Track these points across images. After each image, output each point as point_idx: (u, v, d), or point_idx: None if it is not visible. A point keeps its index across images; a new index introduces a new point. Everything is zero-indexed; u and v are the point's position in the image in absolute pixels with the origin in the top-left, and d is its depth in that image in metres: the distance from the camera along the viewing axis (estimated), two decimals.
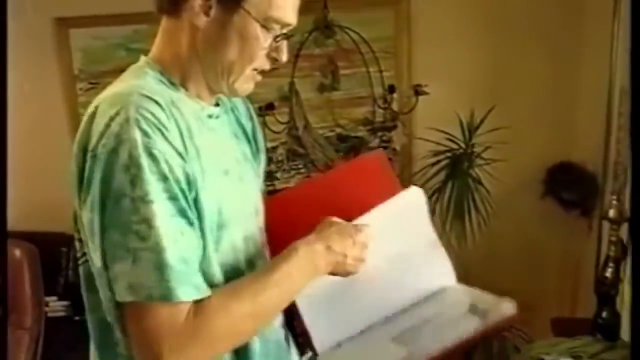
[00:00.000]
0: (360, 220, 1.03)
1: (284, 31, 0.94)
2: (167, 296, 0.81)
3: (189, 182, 0.86)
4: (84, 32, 2.38)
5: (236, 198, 0.97)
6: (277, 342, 1.02)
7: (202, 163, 0.90)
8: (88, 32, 2.38)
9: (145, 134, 0.82)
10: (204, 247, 0.88)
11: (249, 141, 1.10)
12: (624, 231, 1.91)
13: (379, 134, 2.33)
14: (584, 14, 2.29)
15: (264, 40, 0.92)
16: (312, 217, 1.01)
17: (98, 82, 2.38)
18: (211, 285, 0.88)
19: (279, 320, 1.04)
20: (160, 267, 0.81)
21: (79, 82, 2.42)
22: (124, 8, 2.23)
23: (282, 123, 2.15)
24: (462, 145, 2.19)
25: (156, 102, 0.85)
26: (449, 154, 2.19)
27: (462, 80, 2.32)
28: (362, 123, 2.36)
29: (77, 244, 0.93)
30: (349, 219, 1.02)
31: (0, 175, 0.82)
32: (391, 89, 2.15)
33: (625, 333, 1.80)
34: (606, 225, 2.17)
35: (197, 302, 0.83)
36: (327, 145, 2.15)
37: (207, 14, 0.90)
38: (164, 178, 0.82)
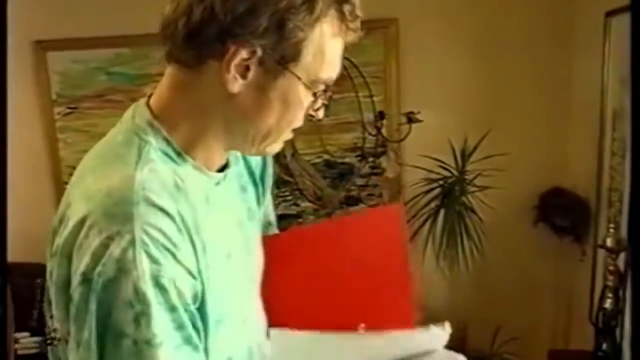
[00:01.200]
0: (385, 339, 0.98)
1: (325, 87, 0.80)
2: None
3: (196, 297, 0.73)
4: (63, 55, 2.30)
5: (237, 282, 0.85)
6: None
7: (208, 257, 0.76)
8: (67, 55, 2.30)
9: (154, 261, 0.67)
10: (206, 351, 0.76)
11: (255, 184, 0.96)
12: (620, 260, 1.87)
13: (369, 160, 2.27)
14: (575, 39, 2.29)
15: (307, 100, 0.78)
16: (317, 259, 0.95)
17: (77, 106, 2.29)
18: None
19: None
20: None
21: (56, 107, 2.33)
22: (105, 31, 2.16)
23: None
24: (455, 172, 2.15)
25: (166, 213, 0.70)
26: (441, 182, 2.14)
27: (452, 107, 2.28)
28: (350, 149, 2.31)
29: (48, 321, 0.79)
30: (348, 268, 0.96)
31: (0, 177, 0.72)
32: (381, 115, 2.10)
33: None
34: (601, 252, 2.14)
35: None
36: (315, 174, 2.08)
37: (244, 76, 0.74)
38: (172, 309, 0.69)
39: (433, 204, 2.14)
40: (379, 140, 2.03)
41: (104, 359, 0.67)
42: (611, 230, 1.86)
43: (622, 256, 1.86)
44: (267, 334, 0.97)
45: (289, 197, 2.28)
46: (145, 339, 0.67)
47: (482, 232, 2.14)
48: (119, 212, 0.69)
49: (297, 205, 2.30)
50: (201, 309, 0.74)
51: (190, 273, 0.72)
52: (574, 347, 2.29)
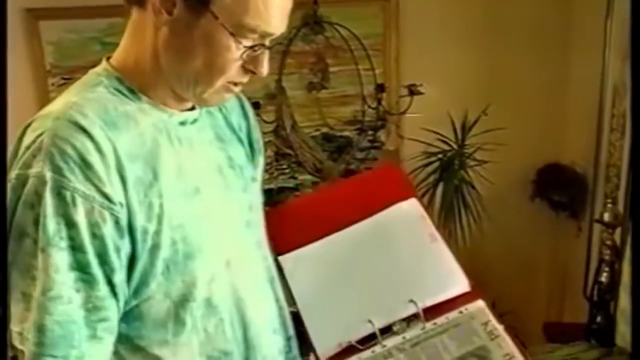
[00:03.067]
0: (354, 228, 1.01)
1: (266, 41, 0.80)
2: None
3: (118, 225, 0.75)
4: (56, 25, 2.25)
5: (212, 218, 0.85)
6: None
7: (162, 188, 0.79)
8: (60, 24, 2.25)
9: (57, 171, 0.72)
10: (175, 288, 0.80)
11: (241, 142, 0.98)
12: (616, 235, 1.89)
13: (368, 133, 2.26)
14: (576, 13, 2.26)
15: (237, 50, 0.78)
16: (324, 223, 1.00)
17: (71, 77, 2.25)
18: (186, 324, 0.81)
19: (274, 350, 0.95)
20: (38, 326, 0.72)
21: (51, 78, 2.29)
22: (98, 0, 2.11)
23: (268, 122, 2.06)
24: (454, 146, 2.14)
25: (85, 132, 0.74)
26: (440, 155, 2.13)
27: (452, 81, 2.26)
28: (350, 122, 2.29)
29: None
30: None
31: (1, 171, 0.76)
32: (381, 88, 2.08)
33: (620, 338, 1.77)
34: (596, 227, 2.16)
35: None
36: (315, 146, 2.07)
37: (169, 11, 0.77)
38: (70, 224, 0.72)
39: (432, 178, 2.14)
40: (379, 113, 2.02)
41: (10, 252, 0.73)
42: (609, 205, 1.87)
43: (618, 231, 1.88)
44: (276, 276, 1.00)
45: (287, 170, 2.27)
46: (41, 240, 0.72)
47: (481, 206, 2.14)
48: (42, 124, 0.75)
49: (295, 178, 2.29)
50: (137, 238, 0.77)
51: (107, 197, 0.74)
52: (568, 320, 2.31)
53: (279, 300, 0.98)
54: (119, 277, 0.77)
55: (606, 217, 1.85)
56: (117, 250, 0.76)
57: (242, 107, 1.01)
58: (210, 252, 0.84)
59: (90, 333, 0.75)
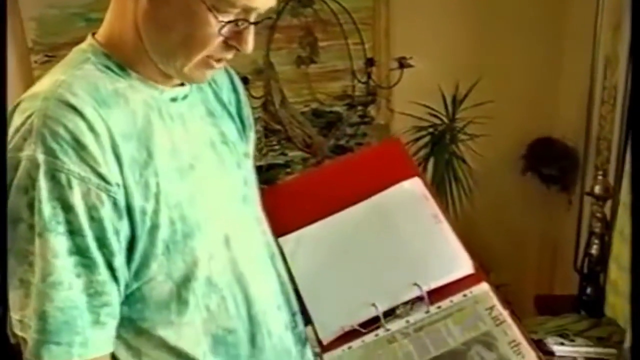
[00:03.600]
0: (356, 209, 0.99)
1: (251, 16, 0.76)
2: (36, 355, 0.71)
3: (116, 206, 0.73)
4: (37, 0, 2.20)
5: (208, 195, 0.84)
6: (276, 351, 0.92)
7: (157, 166, 0.77)
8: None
9: (50, 152, 0.69)
10: (179, 270, 0.79)
11: (232, 118, 0.96)
12: (606, 208, 1.89)
13: (358, 108, 2.23)
14: None
15: (217, 24, 0.74)
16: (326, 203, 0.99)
17: (55, 54, 2.19)
18: (189, 304, 0.80)
19: (280, 327, 0.94)
20: (39, 313, 0.70)
21: (33, 55, 2.24)
22: None
23: (256, 98, 2.04)
24: (445, 120, 2.13)
25: (76, 112, 0.71)
26: (430, 130, 2.12)
27: (442, 54, 2.23)
28: (339, 97, 2.26)
29: None
30: None
31: (0, 173, 0.73)
32: (371, 62, 2.06)
33: (609, 309, 1.79)
34: (587, 201, 2.16)
35: None
36: (304, 121, 2.04)
37: None
38: (67, 207, 0.70)
39: (422, 152, 2.13)
40: (369, 88, 1.99)
41: (7, 239, 0.71)
42: (599, 177, 1.87)
43: (608, 204, 1.88)
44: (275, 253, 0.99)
45: (277, 147, 2.25)
46: (37, 225, 0.70)
47: (472, 180, 2.14)
48: (31, 105, 0.73)
49: (285, 154, 2.27)
50: (135, 219, 0.75)
51: (103, 178, 0.72)
52: (558, 293, 2.33)
53: (281, 276, 0.97)
54: (119, 260, 0.76)
55: (597, 189, 1.84)
56: (116, 232, 0.74)
57: (232, 82, 0.99)
58: (208, 230, 0.83)
59: (94, 318, 0.73)
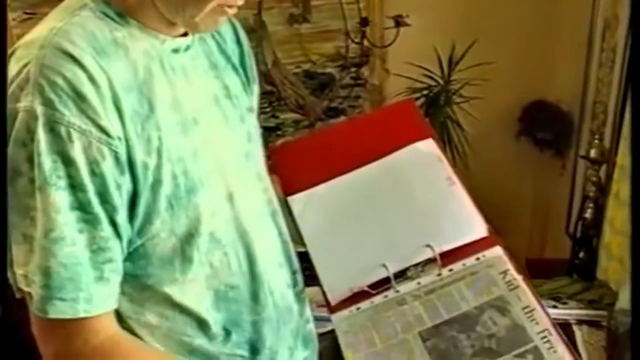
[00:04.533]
0: (368, 169, 0.96)
1: None
2: (42, 310, 0.70)
3: (117, 160, 0.71)
4: None
5: (211, 151, 0.82)
6: (277, 309, 0.91)
7: (159, 120, 0.74)
8: None
9: (48, 104, 0.66)
10: (180, 225, 0.77)
11: (236, 70, 0.93)
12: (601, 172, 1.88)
13: (351, 69, 2.19)
14: None
15: None
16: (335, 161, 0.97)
17: (35, 12, 2.11)
18: (193, 260, 0.78)
19: (282, 284, 0.93)
20: (43, 268, 0.69)
21: (11, 12, 2.15)
22: None
23: None
24: (440, 81, 2.09)
25: (75, 61, 0.68)
26: (425, 91, 2.08)
27: (437, 14, 2.18)
28: (332, 59, 2.21)
29: None
30: None
31: (1, 175, 0.70)
32: (365, 22, 2.00)
33: (601, 272, 1.80)
34: (581, 165, 2.15)
35: (107, 338, 0.74)
36: (297, 82, 2.00)
37: None
38: (67, 161, 0.68)
39: None
40: (363, 48, 1.94)
41: (10, 196, 0.69)
42: (595, 141, 1.86)
43: (603, 168, 1.87)
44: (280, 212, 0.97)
45: (268, 109, 2.20)
46: (37, 178, 0.67)
47: (466, 143, 2.12)
48: (26, 53, 0.69)
49: (276, 117, 2.23)
50: (137, 174, 0.73)
51: (105, 131, 0.69)
52: (550, 256, 2.34)
53: (282, 234, 0.95)
54: (121, 216, 0.73)
55: (592, 153, 1.83)
56: (118, 187, 0.72)
57: (236, 33, 0.95)
58: (212, 186, 0.81)
59: (97, 275, 0.72)
